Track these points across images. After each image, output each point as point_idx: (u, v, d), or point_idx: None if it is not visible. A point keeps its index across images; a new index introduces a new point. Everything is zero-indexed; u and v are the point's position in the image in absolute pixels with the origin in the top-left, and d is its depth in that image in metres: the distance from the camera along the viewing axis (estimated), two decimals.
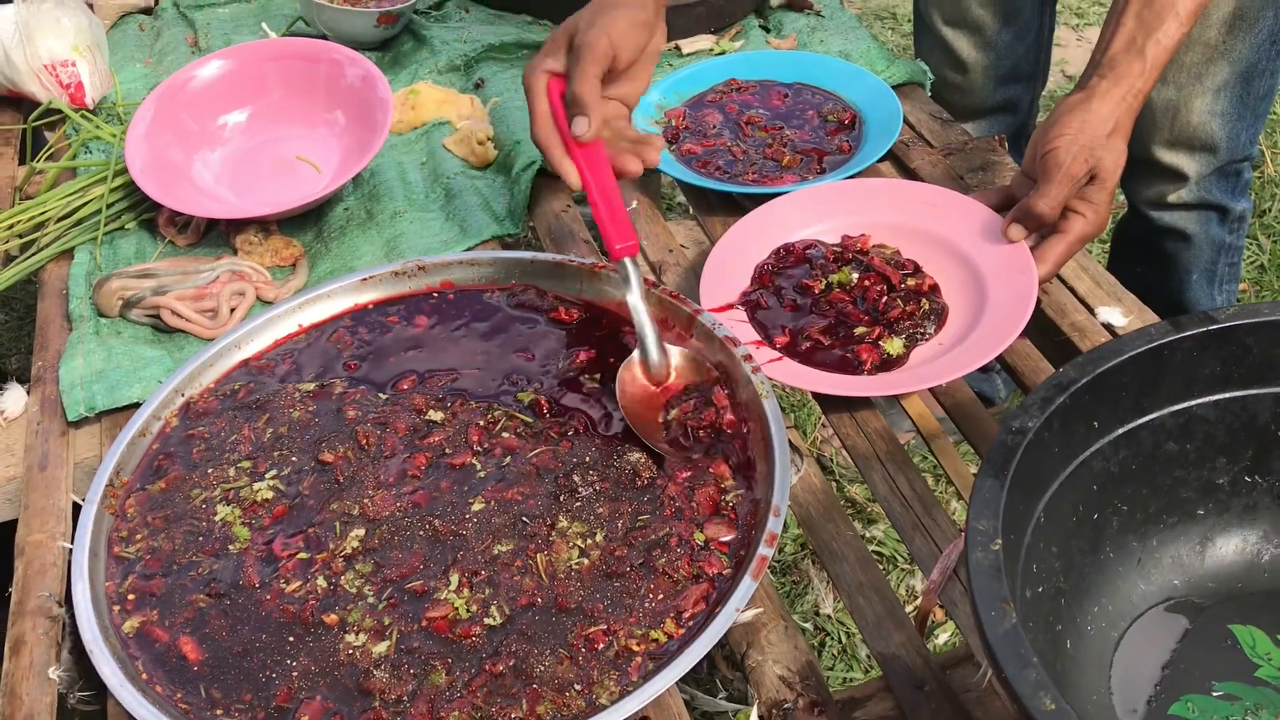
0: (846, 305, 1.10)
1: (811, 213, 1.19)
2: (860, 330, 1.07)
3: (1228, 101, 1.46)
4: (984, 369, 1.74)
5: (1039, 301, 1.10)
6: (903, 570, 1.82)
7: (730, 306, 1.12)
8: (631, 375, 1.02)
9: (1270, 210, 2.47)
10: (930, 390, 1.07)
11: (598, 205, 1.01)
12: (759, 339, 1.09)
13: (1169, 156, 1.52)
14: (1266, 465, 0.87)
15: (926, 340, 1.08)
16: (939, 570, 0.90)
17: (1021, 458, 0.76)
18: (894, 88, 1.39)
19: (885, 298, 1.10)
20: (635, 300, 1.01)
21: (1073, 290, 1.14)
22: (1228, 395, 0.85)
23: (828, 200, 1.20)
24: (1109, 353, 0.82)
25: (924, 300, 1.10)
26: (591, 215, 1.02)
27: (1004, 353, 1.06)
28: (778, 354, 1.07)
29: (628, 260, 1.00)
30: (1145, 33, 1.07)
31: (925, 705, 0.81)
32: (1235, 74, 1.45)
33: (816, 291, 1.11)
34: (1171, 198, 1.56)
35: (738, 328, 1.08)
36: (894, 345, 1.07)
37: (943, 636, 1.67)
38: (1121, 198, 1.56)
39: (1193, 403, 0.85)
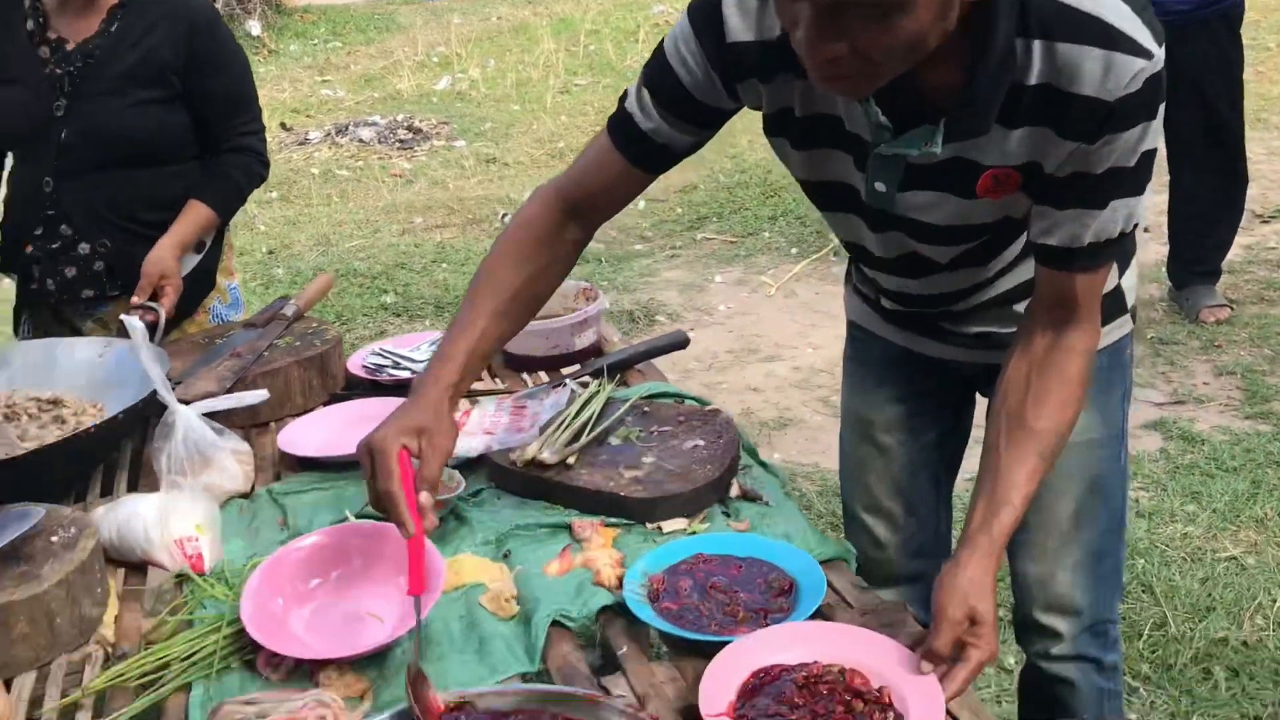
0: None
1: (774, 647, 1.59)
2: None
3: (1083, 576, 1.90)
4: None
5: None
6: None
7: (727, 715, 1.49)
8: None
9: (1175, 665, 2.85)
10: None
11: (415, 557, 1.54)
12: None
13: (1045, 618, 1.93)
14: None
15: None
16: None
17: None
18: (825, 561, 1.83)
19: (864, 706, 1.47)
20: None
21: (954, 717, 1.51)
22: None
23: (787, 638, 1.60)
24: None
25: (890, 713, 1.47)
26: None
27: None
28: None
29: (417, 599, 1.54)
30: (991, 515, 1.54)
31: None
32: (1086, 554, 1.90)
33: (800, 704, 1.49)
34: (1054, 651, 1.96)
35: None
36: None
37: None
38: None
39: None
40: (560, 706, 1.52)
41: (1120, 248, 1.54)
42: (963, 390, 2.08)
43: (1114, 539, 1.91)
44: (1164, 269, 5.13)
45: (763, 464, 2.12)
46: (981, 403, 2.08)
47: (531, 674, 1.66)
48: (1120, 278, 1.80)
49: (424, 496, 1.58)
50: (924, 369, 2.01)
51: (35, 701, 1.68)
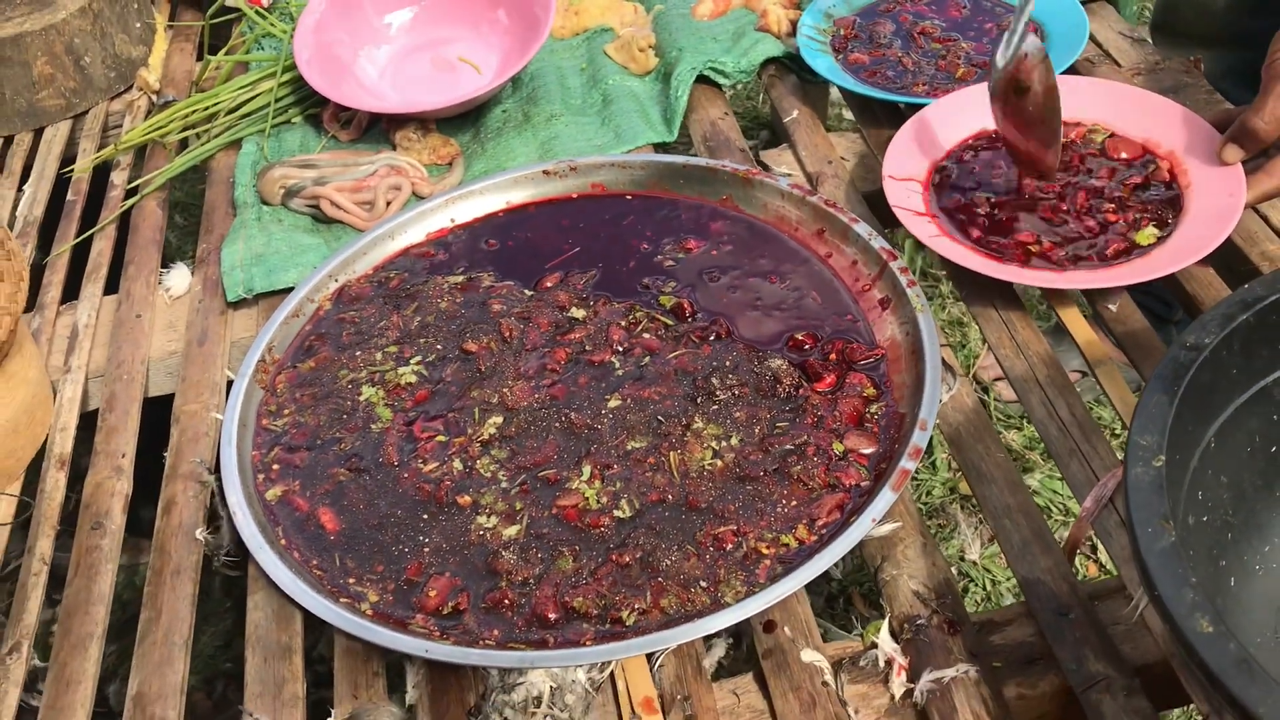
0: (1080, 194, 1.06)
1: None
2: (1117, 225, 1.02)
3: None
4: (1160, 320, 1.63)
5: None
6: (1055, 523, 1.75)
7: (924, 183, 1.08)
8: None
9: None
10: (1101, 317, 1.01)
11: None
12: (930, 212, 1.05)
13: None
14: None
15: (1169, 233, 1.01)
16: (1093, 498, 0.84)
17: (1194, 375, 0.70)
18: (1084, 2, 1.30)
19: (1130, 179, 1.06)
20: None
21: (1265, 219, 1.05)
22: None
23: None
24: None
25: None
26: None
27: (1183, 280, 0.99)
28: (937, 232, 1.02)
29: None
30: None
31: (1069, 633, 0.77)
32: None
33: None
34: None
35: (911, 198, 1.05)
36: (1145, 235, 1.00)
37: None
38: None
39: None
40: (700, 187, 1.12)
41: None
42: None
43: None
44: None
45: None
46: None
47: (668, 145, 1.26)
48: None
49: None
50: None
51: (68, 160, 1.38)
